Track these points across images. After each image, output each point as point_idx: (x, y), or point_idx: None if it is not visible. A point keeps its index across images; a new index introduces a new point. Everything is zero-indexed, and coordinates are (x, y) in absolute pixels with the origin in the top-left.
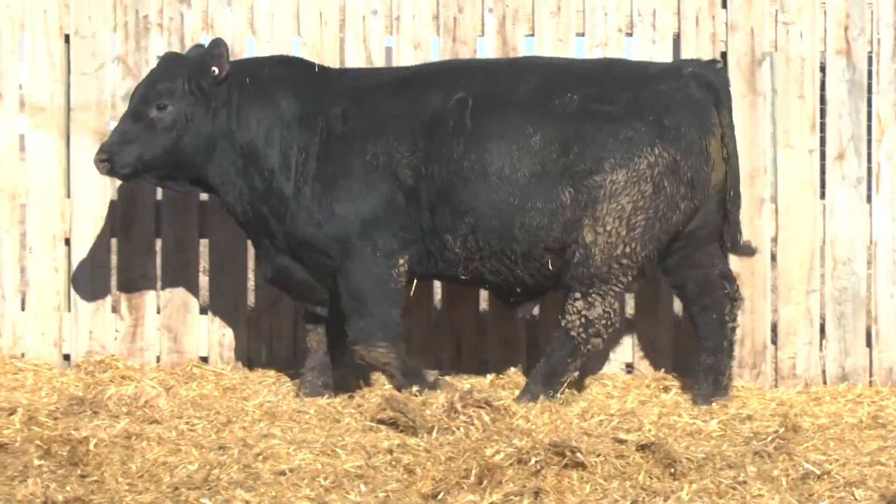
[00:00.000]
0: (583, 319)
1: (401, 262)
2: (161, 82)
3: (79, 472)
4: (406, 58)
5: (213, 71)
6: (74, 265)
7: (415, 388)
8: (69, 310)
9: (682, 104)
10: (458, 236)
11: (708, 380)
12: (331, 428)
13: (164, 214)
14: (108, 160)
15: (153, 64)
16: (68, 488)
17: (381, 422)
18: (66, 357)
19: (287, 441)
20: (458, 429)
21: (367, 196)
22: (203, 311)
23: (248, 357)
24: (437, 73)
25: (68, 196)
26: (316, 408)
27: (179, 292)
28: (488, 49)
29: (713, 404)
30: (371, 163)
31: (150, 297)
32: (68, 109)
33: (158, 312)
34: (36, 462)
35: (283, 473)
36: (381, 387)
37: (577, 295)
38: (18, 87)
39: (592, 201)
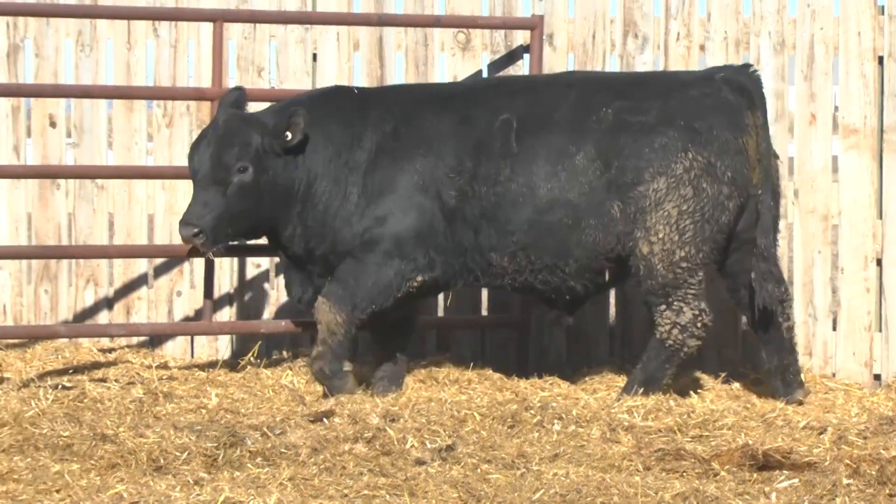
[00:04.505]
0: (677, 327)
1: (419, 279)
2: (234, 145)
3: (886, 491)
4: None
5: (287, 136)
6: (886, 286)
7: (322, 368)
8: (879, 330)
9: (713, 108)
10: (504, 254)
11: (776, 379)
12: None
13: None
14: (201, 232)
15: None
16: None
17: None
18: (877, 377)
19: None
20: None
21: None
22: None
23: None
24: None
25: (880, 217)
26: None
27: None
28: None
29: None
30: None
31: None
32: (881, 131)
33: None
34: (844, 481)
35: None
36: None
37: (662, 306)
38: (832, 109)
39: (641, 212)
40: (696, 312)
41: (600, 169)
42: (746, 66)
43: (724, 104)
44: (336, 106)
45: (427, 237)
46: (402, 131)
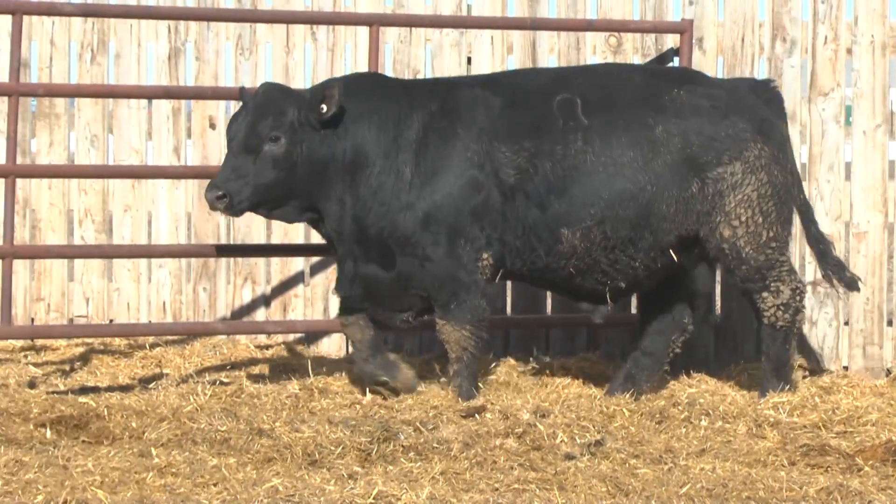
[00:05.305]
0: (781, 308)
1: (485, 256)
2: (269, 115)
3: None
4: None
5: (322, 108)
6: None
7: (461, 384)
8: None
9: (766, 107)
10: (578, 229)
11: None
12: None
13: None
14: (225, 196)
15: None
16: None
17: None
18: None
19: None
20: None
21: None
22: None
23: None
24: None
25: None
26: None
27: None
28: None
29: None
30: (472, 159)
31: None
32: None
33: None
34: None
35: None
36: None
37: (760, 291)
38: None
39: (719, 195)
40: (794, 287)
41: (681, 144)
42: (768, 81)
43: (764, 111)
44: (378, 83)
45: (482, 213)
46: (448, 109)
